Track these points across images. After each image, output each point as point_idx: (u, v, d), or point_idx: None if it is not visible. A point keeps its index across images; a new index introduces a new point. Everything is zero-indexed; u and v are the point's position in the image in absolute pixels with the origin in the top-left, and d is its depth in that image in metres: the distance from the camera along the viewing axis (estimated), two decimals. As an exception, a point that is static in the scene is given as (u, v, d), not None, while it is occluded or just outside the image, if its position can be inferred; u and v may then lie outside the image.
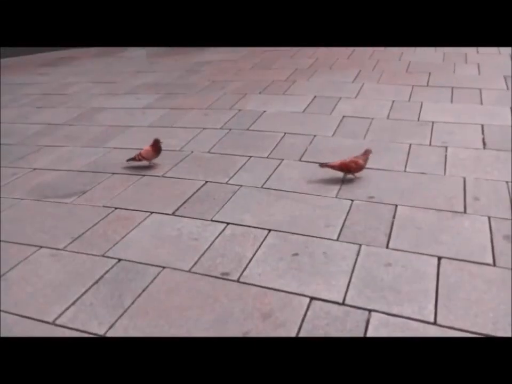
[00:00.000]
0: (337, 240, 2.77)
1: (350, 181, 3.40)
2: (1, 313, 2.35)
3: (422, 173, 3.44)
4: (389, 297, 2.32)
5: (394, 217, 2.94)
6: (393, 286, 2.39)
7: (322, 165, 3.43)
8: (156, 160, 3.89)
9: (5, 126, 5.16)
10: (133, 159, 3.84)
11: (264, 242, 2.79)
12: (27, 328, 2.27)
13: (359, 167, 3.36)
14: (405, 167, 3.54)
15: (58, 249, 2.86)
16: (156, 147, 3.81)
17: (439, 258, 2.56)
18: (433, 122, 4.26)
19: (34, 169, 4.04)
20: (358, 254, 2.63)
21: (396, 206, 3.05)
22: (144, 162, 3.86)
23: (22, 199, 3.52)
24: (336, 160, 3.42)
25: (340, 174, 3.40)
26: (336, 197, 3.21)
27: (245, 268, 2.58)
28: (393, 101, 4.82)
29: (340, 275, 2.48)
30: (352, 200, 3.15)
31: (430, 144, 3.87)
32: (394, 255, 2.60)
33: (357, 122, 4.42)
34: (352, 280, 2.44)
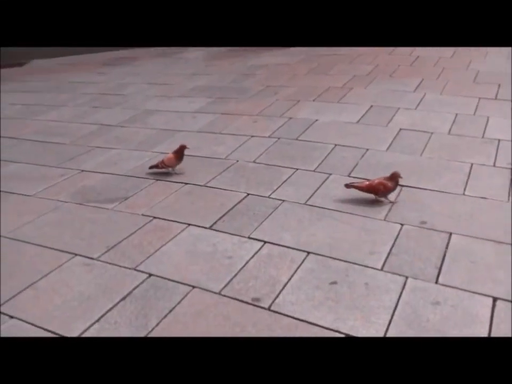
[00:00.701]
0: (381, 269, 2.55)
1: (401, 202, 3.15)
2: (25, 324, 2.31)
3: (483, 198, 3.14)
4: (434, 341, 2.09)
5: (447, 247, 2.68)
6: (439, 328, 2.15)
7: (348, 186, 3.21)
8: (198, 168, 3.80)
9: (61, 125, 5.26)
10: (156, 166, 3.76)
11: (301, 266, 2.61)
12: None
13: (388, 190, 3.11)
14: (464, 189, 3.25)
15: (92, 258, 2.82)
16: (179, 154, 3.72)
17: (495, 300, 2.29)
18: (499, 140, 3.91)
19: (82, 171, 4.06)
20: (403, 288, 2.40)
21: (450, 234, 2.79)
22: (168, 170, 3.78)
23: (65, 201, 3.52)
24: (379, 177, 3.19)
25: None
26: (384, 220, 2.99)
27: (278, 294, 2.42)
28: (456, 114, 4.49)
29: (381, 311, 2.27)
30: (402, 225, 2.91)
31: (494, 165, 3.54)
32: (444, 292, 2.36)
33: (415, 136, 4.14)
34: (394, 318, 2.23)
